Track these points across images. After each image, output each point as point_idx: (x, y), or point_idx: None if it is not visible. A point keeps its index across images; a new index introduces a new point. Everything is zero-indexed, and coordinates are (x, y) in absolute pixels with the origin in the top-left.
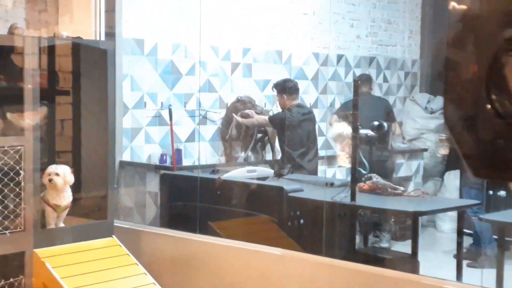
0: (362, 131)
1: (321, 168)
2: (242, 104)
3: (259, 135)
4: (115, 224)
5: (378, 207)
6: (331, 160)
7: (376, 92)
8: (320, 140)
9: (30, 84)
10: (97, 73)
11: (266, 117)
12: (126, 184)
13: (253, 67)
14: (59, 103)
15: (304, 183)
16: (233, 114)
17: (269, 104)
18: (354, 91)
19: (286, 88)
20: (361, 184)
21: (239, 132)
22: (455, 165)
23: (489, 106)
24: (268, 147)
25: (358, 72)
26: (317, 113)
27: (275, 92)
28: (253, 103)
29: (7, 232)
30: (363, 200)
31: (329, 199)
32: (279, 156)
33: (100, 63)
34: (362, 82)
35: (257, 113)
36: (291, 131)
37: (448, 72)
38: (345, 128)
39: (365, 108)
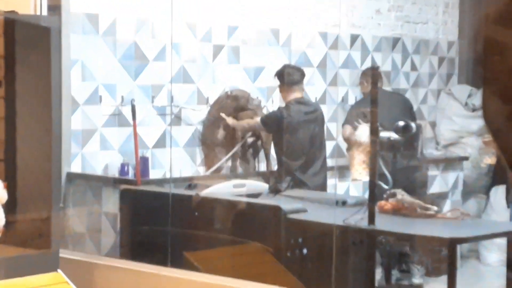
0: (384, 134)
1: (330, 182)
2: (233, 101)
3: (250, 140)
4: (61, 255)
5: (404, 232)
6: (343, 171)
7: (401, 84)
8: (328, 146)
9: None
10: (38, 58)
11: (258, 120)
12: (76, 203)
13: (241, 51)
14: None
15: (307, 201)
16: (222, 114)
17: (264, 99)
18: (372, 83)
19: (283, 77)
20: (382, 202)
21: (227, 136)
22: (505, 178)
23: None
24: (261, 154)
25: (378, 57)
26: (325, 111)
27: (277, 83)
28: (248, 97)
29: None
30: (384, 223)
31: (341, 222)
32: (275, 166)
33: (41, 46)
34: (367, 78)
35: (252, 109)
36: (290, 135)
37: (490, 57)
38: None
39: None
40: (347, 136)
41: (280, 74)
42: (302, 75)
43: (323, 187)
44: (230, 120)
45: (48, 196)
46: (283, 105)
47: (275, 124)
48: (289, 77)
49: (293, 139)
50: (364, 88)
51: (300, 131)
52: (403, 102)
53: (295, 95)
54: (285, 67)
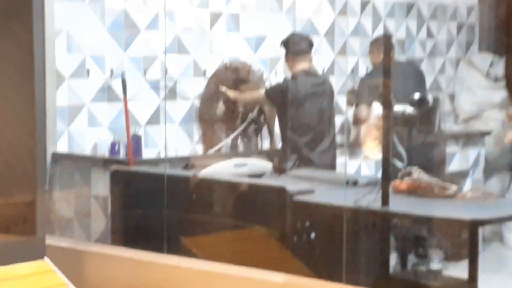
0: (398, 108)
1: (339, 160)
2: (233, 73)
3: (252, 115)
4: (47, 242)
5: (420, 214)
6: (353, 148)
7: (416, 53)
8: (337, 121)
9: None
10: (18, 28)
11: (262, 93)
12: (63, 185)
13: (241, 19)
14: None
15: (315, 181)
16: (222, 87)
17: (266, 71)
18: (384, 52)
19: (290, 46)
20: (397, 182)
21: (227, 111)
22: None
23: None
24: (265, 131)
25: (391, 24)
26: (334, 82)
27: (282, 52)
28: (249, 69)
29: None
30: (399, 204)
31: (351, 203)
32: (279, 144)
33: (22, 14)
34: (379, 47)
35: (253, 82)
36: (297, 109)
37: None
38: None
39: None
40: (364, 118)
41: (286, 43)
42: (310, 44)
43: (332, 166)
44: (231, 93)
45: (33, 178)
46: (289, 76)
47: (280, 96)
48: (296, 46)
49: (299, 114)
50: (375, 58)
51: (307, 105)
52: (417, 72)
53: (302, 65)
54: (292, 35)
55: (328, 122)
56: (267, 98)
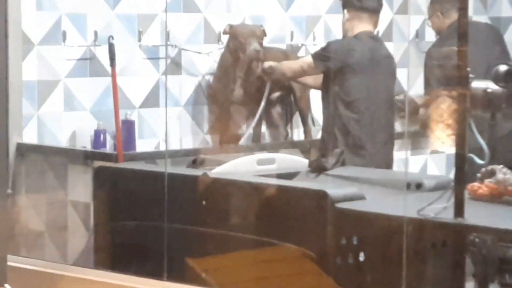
0: (477, 84)
1: (398, 155)
2: (260, 37)
3: (277, 94)
4: (9, 263)
5: (508, 228)
6: (417, 140)
7: (503, 11)
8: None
9: None
10: None
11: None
12: (30, 187)
13: None
14: None
15: (366, 183)
16: (250, 49)
17: (302, 34)
18: (459, 7)
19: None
20: (475, 185)
21: (250, 89)
22: None
23: None
24: (296, 117)
25: None
26: (392, 50)
27: (309, 12)
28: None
29: None
30: (479, 215)
31: (414, 213)
32: (318, 133)
33: None
34: (444, 8)
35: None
36: (359, 80)
37: None
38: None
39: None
40: (433, 99)
41: None
42: (381, 3)
43: (388, 163)
44: (266, 63)
45: None
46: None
47: (340, 57)
48: (365, 1)
49: (357, 88)
50: (439, 23)
51: (371, 77)
52: (501, 38)
53: (367, 28)
54: None
55: (390, 105)
56: (317, 59)
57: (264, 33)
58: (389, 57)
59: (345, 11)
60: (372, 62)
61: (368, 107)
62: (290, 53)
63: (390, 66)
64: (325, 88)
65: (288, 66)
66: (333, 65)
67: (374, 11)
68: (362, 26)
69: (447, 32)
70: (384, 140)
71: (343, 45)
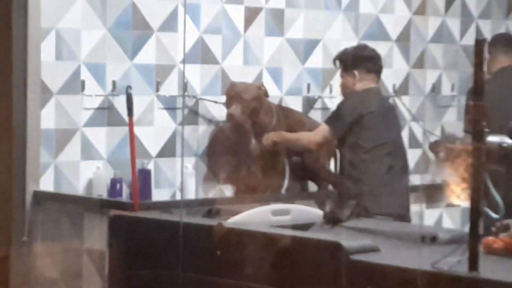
0: (493, 138)
1: (412, 207)
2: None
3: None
4: None
5: None
6: (433, 193)
7: None
8: (413, 156)
9: None
10: None
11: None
12: (46, 235)
13: (285, 16)
14: None
15: (381, 236)
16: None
17: (317, 87)
18: (475, 62)
19: (360, 60)
20: (490, 239)
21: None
22: None
23: None
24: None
25: (486, 25)
26: (409, 102)
27: (337, 69)
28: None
29: None
30: (493, 269)
31: (428, 266)
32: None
33: None
34: (497, 47)
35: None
36: (374, 133)
37: None
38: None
39: (500, 97)
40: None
41: (352, 58)
42: (379, 58)
43: (405, 215)
44: (270, 136)
45: (7, 225)
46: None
47: (356, 109)
48: (369, 61)
49: (375, 139)
50: (497, 63)
51: (383, 130)
52: None
53: (374, 84)
54: (359, 49)
55: (403, 155)
56: (333, 122)
57: (260, 92)
58: (394, 108)
59: (356, 72)
60: (384, 110)
61: (384, 160)
62: (304, 118)
63: (397, 117)
64: (341, 142)
65: (297, 139)
66: (350, 119)
67: (374, 69)
68: (364, 84)
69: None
70: (404, 190)
71: (355, 98)
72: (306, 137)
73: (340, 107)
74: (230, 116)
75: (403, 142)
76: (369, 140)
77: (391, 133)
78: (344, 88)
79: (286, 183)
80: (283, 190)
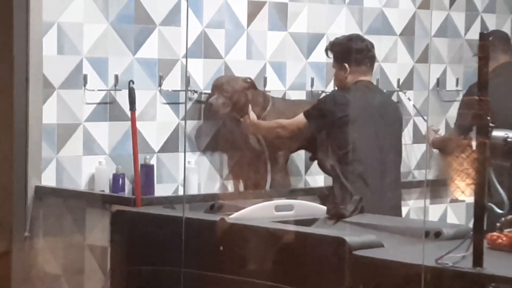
0: (497, 133)
1: (416, 203)
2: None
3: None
4: None
5: None
6: (437, 188)
7: None
8: (419, 150)
9: None
10: None
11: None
12: (48, 230)
13: (289, 11)
14: None
15: (384, 231)
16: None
17: (321, 81)
18: (480, 58)
19: (350, 53)
20: (495, 234)
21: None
22: None
23: None
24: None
25: (491, 19)
26: (413, 97)
27: (330, 59)
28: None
29: None
30: (497, 264)
31: (433, 262)
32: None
33: None
34: (495, 43)
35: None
36: (359, 131)
37: None
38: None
39: (503, 92)
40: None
41: (342, 49)
42: (371, 50)
43: (398, 208)
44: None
45: (8, 221)
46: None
47: (334, 112)
48: (361, 53)
49: (363, 137)
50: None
51: (371, 126)
52: None
53: (365, 77)
54: (351, 39)
55: (395, 152)
56: (310, 117)
57: (245, 85)
58: (390, 104)
59: (346, 65)
60: (370, 110)
61: (375, 157)
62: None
63: (393, 113)
64: (330, 138)
65: (270, 127)
66: (326, 121)
67: (365, 61)
68: (356, 77)
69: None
70: (394, 187)
71: (338, 100)
72: (280, 125)
73: (320, 105)
74: (208, 105)
75: (397, 137)
76: (345, 144)
77: (384, 133)
78: (336, 81)
79: (269, 179)
80: (267, 187)
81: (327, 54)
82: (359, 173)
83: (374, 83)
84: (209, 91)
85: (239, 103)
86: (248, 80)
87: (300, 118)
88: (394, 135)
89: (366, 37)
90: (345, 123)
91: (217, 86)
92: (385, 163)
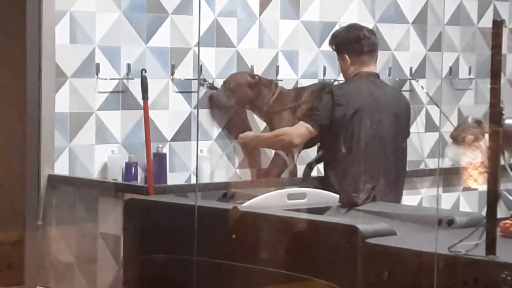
0: (510, 121)
1: (429, 191)
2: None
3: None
4: None
5: None
6: (449, 176)
7: None
8: (432, 138)
9: None
10: (7, 12)
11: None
12: (61, 219)
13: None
14: None
15: (396, 219)
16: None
17: (334, 70)
18: (493, 45)
19: (349, 43)
20: (507, 222)
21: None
22: None
23: None
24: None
25: (504, 7)
26: (426, 85)
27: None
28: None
29: None
30: (511, 252)
31: (445, 250)
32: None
33: None
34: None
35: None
36: (358, 122)
37: None
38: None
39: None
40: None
41: (342, 40)
42: (373, 38)
43: (399, 196)
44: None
45: (21, 209)
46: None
47: (327, 112)
48: (359, 43)
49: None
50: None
51: (369, 118)
52: None
53: (364, 69)
54: (349, 28)
55: (399, 143)
56: (315, 121)
57: (250, 80)
58: (394, 96)
59: (346, 56)
60: (368, 100)
61: (367, 146)
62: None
63: (397, 105)
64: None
65: (272, 142)
66: (327, 120)
67: (366, 51)
68: (363, 68)
69: None
70: (399, 177)
71: (337, 93)
72: (284, 132)
73: (320, 104)
74: (209, 97)
75: (400, 128)
76: (346, 141)
77: (379, 123)
78: (342, 73)
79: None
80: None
81: (331, 47)
82: (375, 163)
83: (381, 72)
84: (221, 80)
85: (243, 97)
86: (256, 77)
87: (303, 127)
88: (397, 126)
89: (379, 25)
90: (342, 116)
91: (224, 81)
92: (386, 154)
